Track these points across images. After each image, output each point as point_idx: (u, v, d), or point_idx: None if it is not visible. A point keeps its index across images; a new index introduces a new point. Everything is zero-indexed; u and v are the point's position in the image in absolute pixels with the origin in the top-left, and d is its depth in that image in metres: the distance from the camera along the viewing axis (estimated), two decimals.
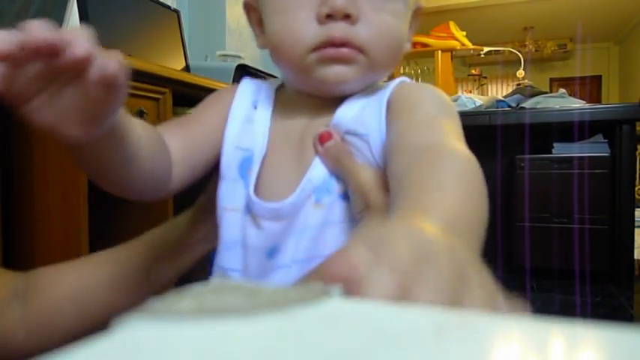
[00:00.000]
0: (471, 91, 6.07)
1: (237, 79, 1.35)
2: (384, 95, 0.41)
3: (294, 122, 0.43)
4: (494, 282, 0.20)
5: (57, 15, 1.26)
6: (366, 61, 0.39)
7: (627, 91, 6.35)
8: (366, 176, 0.37)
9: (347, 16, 0.37)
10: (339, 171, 0.39)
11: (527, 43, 6.36)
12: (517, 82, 4.06)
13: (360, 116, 0.40)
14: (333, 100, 0.42)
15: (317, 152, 0.40)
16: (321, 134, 0.39)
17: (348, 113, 0.41)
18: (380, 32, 0.38)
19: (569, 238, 2.14)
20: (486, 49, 4.36)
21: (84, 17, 1.12)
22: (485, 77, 6.78)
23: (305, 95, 0.43)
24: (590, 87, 7.01)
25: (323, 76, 0.39)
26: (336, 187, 0.39)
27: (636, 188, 2.95)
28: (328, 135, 0.39)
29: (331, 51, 0.38)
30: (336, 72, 0.39)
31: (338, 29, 0.37)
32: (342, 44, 0.37)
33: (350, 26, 0.37)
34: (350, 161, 0.38)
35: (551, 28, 6.15)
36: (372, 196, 0.36)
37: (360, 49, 0.38)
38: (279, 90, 0.47)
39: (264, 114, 0.43)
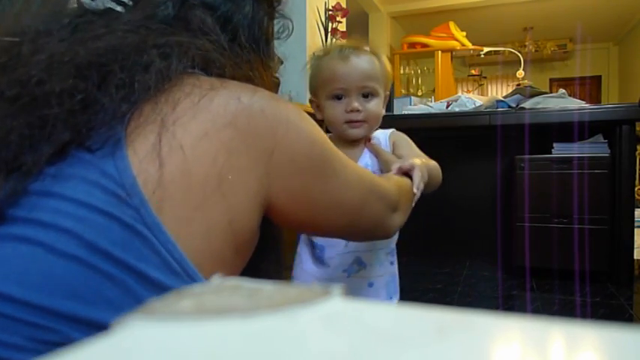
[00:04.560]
0: (470, 92, 6.08)
1: None
2: (384, 135, 0.98)
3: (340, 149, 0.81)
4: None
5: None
6: (366, 126, 0.91)
7: (627, 91, 6.35)
8: (387, 156, 0.90)
9: (358, 110, 0.89)
10: (375, 152, 0.93)
11: (527, 43, 6.36)
12: (517, 83, 4.07)
13: (375, 139, 0.98)
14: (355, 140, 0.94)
15: (366, 146, 0.94)
16: (368, 139, 0.95)
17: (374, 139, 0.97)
18: (370, 115, 0.90)
19: (569, 238, 2.14)
20: (486, 49, 4.37)
21: None
22: (484, 77, 6.79)
23: (342, 139, 0.93)
24: (589, 87, 7.02)
25: (350, 133, 0.91)
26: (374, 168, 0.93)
27: (636, 188, 2.95)
28: (370, 140, 0.95)
29: (352, 124, 0.91)
30: (355, 132, 0.91)
31: (354, 115, 0.89)
32: (357, 121, 0.90)
33: (358, 113, 0.89)
34: (381, 150, 0.93)
35: (551, 28, 6.15)
36: (388, 160, 0.87)
37: (364, 121, 0.90)
38: (330, 137, 0.91)
39: None
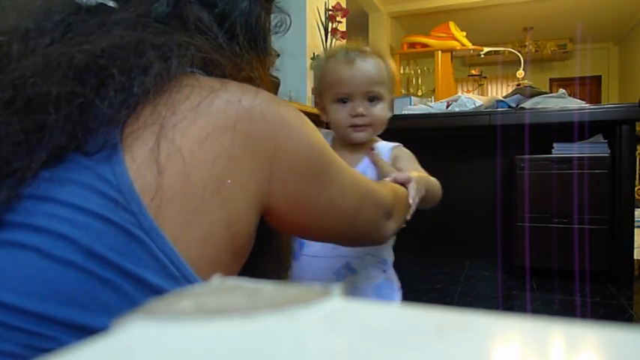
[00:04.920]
0: (470, 91, 6.08)
1: None
2: (387, 147, 0.96)
3: (342, 151, 0.93)
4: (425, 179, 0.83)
5: None
6: (370, 130, 0.91)
7: (627, 91, 6.35)
8: (386, 166, 0.88)
9: (362, 115, 0.89)
10: (375, 162, 0.91)
11: (527, 43, 6.36)
12: (517, 83, 4.07)
13: (377, 149, 0.95)
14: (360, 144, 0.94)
15: (368, 154, 0.93)
16: (370, 148, 0.94)
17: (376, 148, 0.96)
18: (375, 119, 0.90)
19: (569, 238, 2.14)
20: (486, 49, 4.37)
21: None
22: (484, 77, 6.79)
23: (346, 141, 0.94)
24: (589, 87, 7.02)
25: (354, 136, 0.91)
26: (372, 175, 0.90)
27: (636, 188, 2.95)
28: (372, 149, 0.93)
29: (356, 128, 0.91)
30: (359, 135, 0.91)
31: (358, 120, 0.89)
32: (361, 125, 0.90)
33: (363, 117, 0.89)
34: (382, 160, 0.91)
35: (551, 28, 6.15)
36: (386, 171, 0.85)
37: (368, 125, 0.90)
38: (333, 137, 0.97)
39: None
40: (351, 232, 0.58)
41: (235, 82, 0.45)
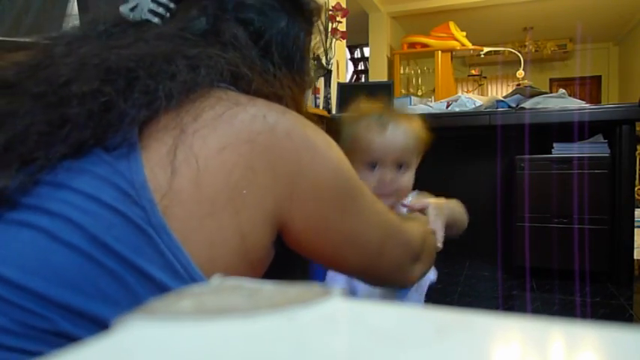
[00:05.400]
0: (470, 91, 6.08)
1: None
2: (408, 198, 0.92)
3: None
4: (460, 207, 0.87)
5: (57, 15, 1.26)
6: (394, 199, 0.87)
7: (627, 91, 6.35)
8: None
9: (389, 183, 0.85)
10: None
11: (527, 43, 6.36)
12: (517, 83, 4.07)
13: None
14: None
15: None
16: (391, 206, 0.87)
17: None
18: (400, 187, 0.87)
19: (569, 238, 2.14)
20: (486, 49, 4.36)
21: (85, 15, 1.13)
22: (484, 77, 6.79)
23: None
24: (589, 87, 7.02)
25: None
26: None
27: (636, 188, 2.95)
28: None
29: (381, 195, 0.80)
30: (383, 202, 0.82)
31: (384, 188, 0.85)
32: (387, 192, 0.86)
33: (390, 185, 0.86)
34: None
35: (551, 28, 6.15)
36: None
37: (393, 193, 0.87)
38: None
39: None
40: (373, 269, 0.55)
41: (264, 100, 0.45)
